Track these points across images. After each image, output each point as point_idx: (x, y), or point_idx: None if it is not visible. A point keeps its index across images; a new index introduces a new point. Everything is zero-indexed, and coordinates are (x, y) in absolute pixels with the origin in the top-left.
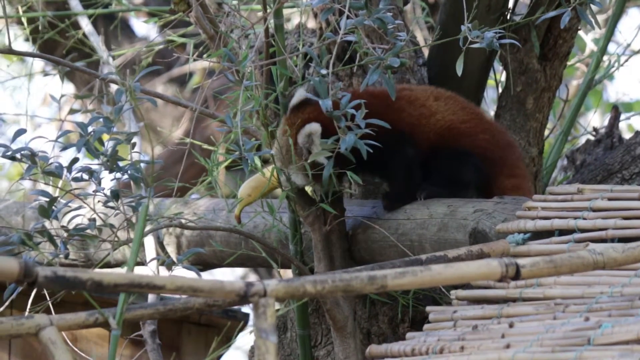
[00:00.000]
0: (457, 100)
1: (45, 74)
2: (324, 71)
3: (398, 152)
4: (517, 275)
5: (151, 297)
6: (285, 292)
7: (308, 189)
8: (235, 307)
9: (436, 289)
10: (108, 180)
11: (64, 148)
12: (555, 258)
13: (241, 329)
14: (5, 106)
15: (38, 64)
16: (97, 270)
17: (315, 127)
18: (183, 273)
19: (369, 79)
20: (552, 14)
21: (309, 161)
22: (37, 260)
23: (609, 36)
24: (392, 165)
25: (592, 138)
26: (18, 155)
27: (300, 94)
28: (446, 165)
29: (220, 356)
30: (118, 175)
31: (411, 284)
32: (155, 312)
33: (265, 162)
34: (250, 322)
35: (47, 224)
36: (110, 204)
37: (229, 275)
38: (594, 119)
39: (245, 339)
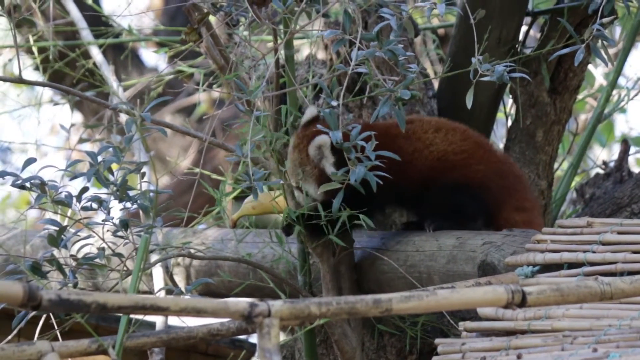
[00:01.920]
0: (460, 132)
1: (55, 103)
2: (334, 103)
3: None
4: (523, 302)
5: (159, 328)
6: (289, 313)
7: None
8: (243, 337)
9: (444, 320)
10: (117, 210)
11: (74, 177)
12: (563, 287)
13: (247, 359)
14: (13, 135)
15: (47, 93)
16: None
17: (324, 139)
18: None
19: (380, 110)
20: (565, 50)
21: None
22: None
23: (619, 70)
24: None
25: (601, 172)
26: (28, 184)
27: (311, 110)
28: (444, 198)
29: None
30: (127, 204)
31: (416, 308)
32: (158, 341)
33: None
34: (257, 351)
35: (55, 252)
36: (119, 233)
37: None
38: (604, 153)
39: None
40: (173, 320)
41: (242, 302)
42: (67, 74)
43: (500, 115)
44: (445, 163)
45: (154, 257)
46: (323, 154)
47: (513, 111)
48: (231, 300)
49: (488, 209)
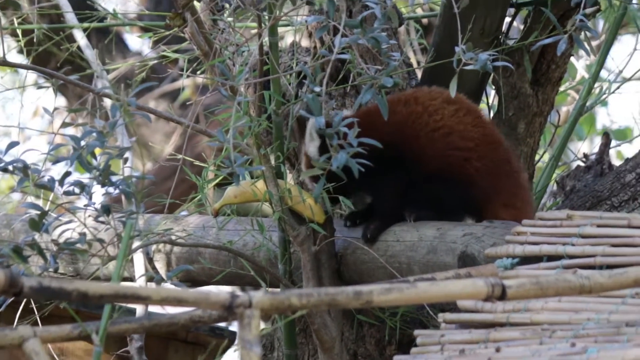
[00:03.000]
0: (474, 115)
1: (39, 86)
2: (317, 88)
3: (386, 171)
4: (503, 296)
5: (139, 314)
6: (270, 304)
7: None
8: (223, 325)
9: (424, 311)
10: (99, 195)
11: (57, 161)
12: (542, 280)
13: (227, 347)
14: None
15: (31, 76)
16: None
17: (310, 122)
18: None
19: (362, 98)
20: (547, 40)
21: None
22: (26, 273)
23: (601, 63)
24: (380, 185)
25: (582, 164)
26: (10, 168)
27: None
28: (430, 189)
29: None
30: (110, 189)
31: (397, 301)
32: (140, 327)
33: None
34: (236, 340)
35: (37, 237)
36: (101, 218)
37: None
38: (585, 146)
39: (231, 357)
40: (154, 306)
41: (223, 293)
42: (51, 57)
43: (482, 106)
44: (445, 143)
45: (135, 244)
46: (312, 137)
47: (495, 102)
48: (212, 290)
49: (474, 204)
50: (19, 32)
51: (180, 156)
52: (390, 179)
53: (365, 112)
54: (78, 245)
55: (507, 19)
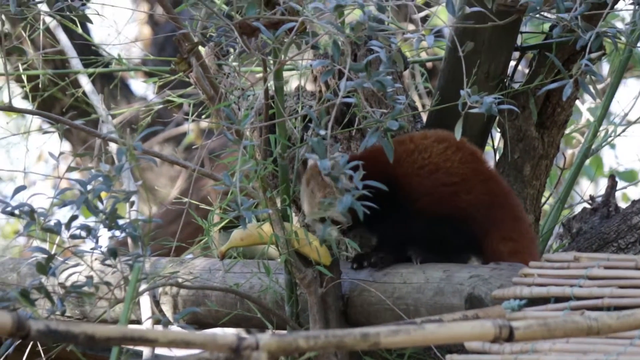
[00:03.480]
0: (466, 153)
1: (44, 131)
2: (322, 132)
3: (388, 211)
4: (510, 337)
5: (146, 357)
6: (277, 346)
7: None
8: None
9: (431, 352)
10: (105, 238)
11: (63, 205)
12: (550, 322)
13: None
14: (1, 163)
15: (35, 121)
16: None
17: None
18: None
19: (368, 141)
20: (553, 85)
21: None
22: (33, 317)
23: (606, 106)
24: (384, 225)
25: (588, 206)
26: (17, 212)
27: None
28: (429, 230)
29: None
30: (116, 233)
31: (404, 342)
32: None
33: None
34: None
35: (44, 280)
36: (108, 261)
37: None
38: (591, 188)
39: None
40: (162, 349)
41: (230, 335)
42: (56, 102)
43: (488, 149)
44: (432, 180)
45: (142, 286)
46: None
47: (501, 145)
48: (219, 333)
49: (474, 240)
50: (24, 77)
51: (185, 199)
52: (391, 218)
53: (360, 154)
54: (85, 288)
55: (512, 63)
